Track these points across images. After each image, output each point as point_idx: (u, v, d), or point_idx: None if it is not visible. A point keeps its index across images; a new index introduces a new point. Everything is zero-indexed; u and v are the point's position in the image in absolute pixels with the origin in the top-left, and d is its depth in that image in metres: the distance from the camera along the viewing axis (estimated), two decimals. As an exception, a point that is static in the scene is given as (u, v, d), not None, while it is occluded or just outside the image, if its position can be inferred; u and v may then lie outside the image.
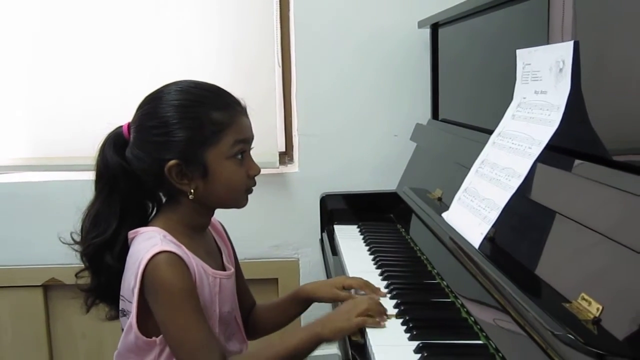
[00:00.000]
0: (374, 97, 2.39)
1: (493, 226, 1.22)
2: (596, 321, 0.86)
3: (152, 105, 1.25)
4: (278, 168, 2.40)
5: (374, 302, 1.29)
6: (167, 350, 1.22)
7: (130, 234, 1.26)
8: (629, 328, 0.81)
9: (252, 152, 1.30)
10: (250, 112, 1.30)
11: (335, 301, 1.42)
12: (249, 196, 1.32)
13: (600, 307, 0.86)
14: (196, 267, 1.23)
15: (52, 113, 2.38)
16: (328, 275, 1.73)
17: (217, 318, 1.29)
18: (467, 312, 1.27)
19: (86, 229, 1.28)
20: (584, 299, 0.90)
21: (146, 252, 1.17)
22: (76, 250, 1.29)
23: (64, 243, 1.30)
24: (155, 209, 1.35)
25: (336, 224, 2.10)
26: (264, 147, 2.22)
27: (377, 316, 1.26)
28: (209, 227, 1.39)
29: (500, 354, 1.08)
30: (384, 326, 1.25)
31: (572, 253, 1.01)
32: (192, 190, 1.24)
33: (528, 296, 0.98)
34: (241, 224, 1.70)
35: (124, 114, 1.31)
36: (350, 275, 1.58)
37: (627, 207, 0.90)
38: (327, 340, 1.23)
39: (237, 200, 1.30)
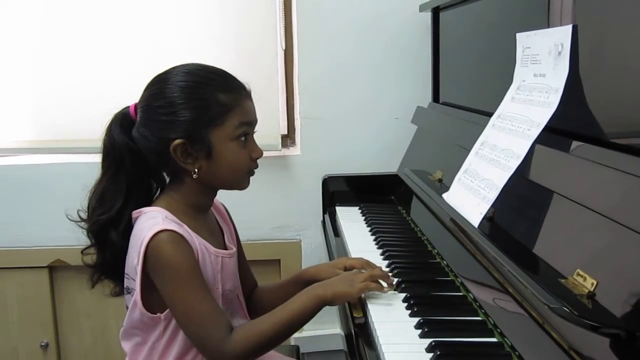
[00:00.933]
0: (376, 80, 2.40)
1: (492, 206, 1.24)
2: (591, 295, 0.88)
3: (159, 86, 1.27)
4: (280, 151, 2.41)
5: (376, 273, 1.32)
6: (172, 326, 1.25)
7: (134, 213, 1.28)
8: (621, 301, 0.84)
9: (254, 135, 1.33)
10: (253, 95, 1.33)
11: None
12: (252, 178, 1.34)
13: (595, 282, 0.89)
14: (198, 245, 1.25)
15: (57, 96, 2.40)
16: (330, 256, 1.75)
17: (219, 295, 1.32)
18: (467, 290, 1.30)
19: (92, 207, 1.30)
20: (579, 274, 0.92)
21: (148, 231, 1.20)
22: (82, 227, 1.32)
23: (70, 220, 1.32)
24: (159, 189, 1.37)
25: (338, 206, 2.12)
26: (267, 129, 2.24)
27: (379, 285, 1.29)
28: (212, 208, 1.41)
29: (498, 330, 1.11)
30: (385, 291, 1.30)
31: (569, 231, 1.04)
32: (195, 170, 1.26)
33: (525, 272, 1.00)
34: (244, 206, 1.72)
35: (127, 98, 1.32)
36: (352, 255, 1.60)
37: (622, 187, 0.92)
38: (329, 302, 1.25)
39: (239, 181, 1.33)
